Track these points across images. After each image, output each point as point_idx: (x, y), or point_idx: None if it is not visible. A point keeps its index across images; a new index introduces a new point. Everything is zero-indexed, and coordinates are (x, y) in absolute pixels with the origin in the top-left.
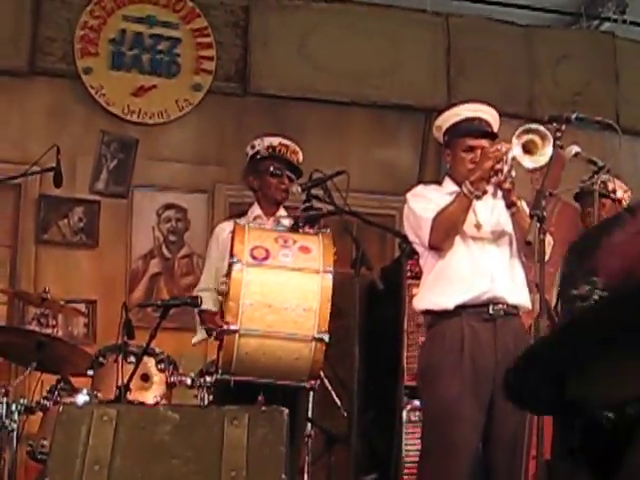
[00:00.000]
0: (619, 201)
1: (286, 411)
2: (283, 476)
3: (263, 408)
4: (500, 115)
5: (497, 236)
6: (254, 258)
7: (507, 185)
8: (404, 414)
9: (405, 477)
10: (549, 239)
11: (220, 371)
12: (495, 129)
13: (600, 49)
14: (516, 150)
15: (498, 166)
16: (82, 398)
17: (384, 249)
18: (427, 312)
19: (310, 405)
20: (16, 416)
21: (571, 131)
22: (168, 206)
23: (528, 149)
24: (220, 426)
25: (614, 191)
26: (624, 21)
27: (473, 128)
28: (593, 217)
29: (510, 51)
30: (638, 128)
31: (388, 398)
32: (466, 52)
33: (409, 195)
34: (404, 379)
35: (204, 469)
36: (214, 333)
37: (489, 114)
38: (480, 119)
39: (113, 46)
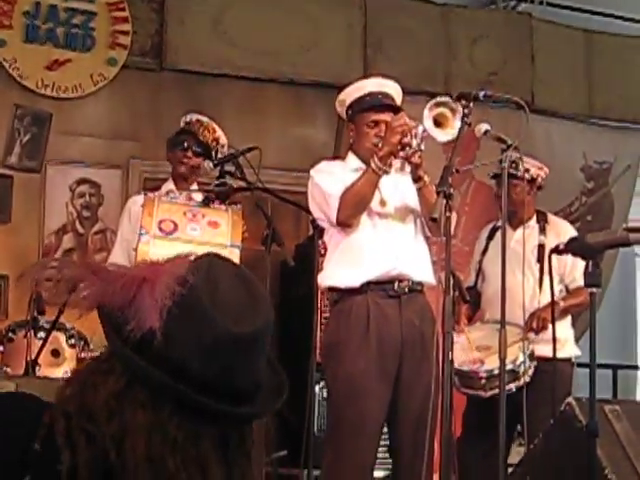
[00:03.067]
0: (533, 180)
1: None
2: None
3: None
4: (417, 94)
5: (402, 212)
6: (161, 230)
7: (416, 159)
8: (316, 390)
9: (316, 454)
10: (453, 215)
11: None
12: (398, 103)
13: (516, 29)
14: (427, 123)
15: (406, 140)
16: None
17: (299, 226)
18: (332, 289)
19: None
20: None
21: (486, 111)
22: (82, 181)
23: (439, 122)
24: None
25: (527, 170)
26: (540, 2)
27: (377, 102)
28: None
29: (427, 30)
30: (553, 109)
31: (300, 374)
32: (383, 30)
33: (313, 171)
34: (316, 355)
35: None
36: None
37: (392, 88)
38: (383, 93)
39: (27, 19)
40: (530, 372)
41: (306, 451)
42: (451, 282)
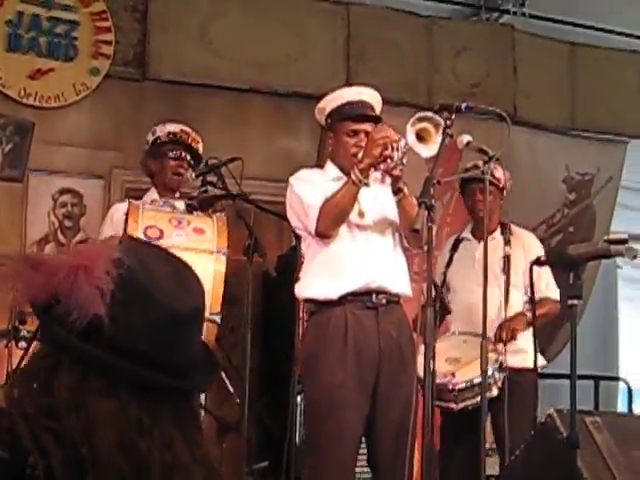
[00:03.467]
0: (502, 189)
1: None
2: None
3: None
4: (399, 105)
5: (380, 224)
6: (147, 237)
7: (397, 172)
8: (298, 401)
9: (298, 465)
10: (434, 226)
11: None
12: (378, 112)
13: (499, 42)
14: (410, 138)
15: (387, 152)
16: None
17: (281, 237)
18: (309, 300)
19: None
20: None
21: (470, 122)
22: (64, 191)
23: (422, 137)
24: None
25: (498, 180)
26: (523, 14)
27: (356, 111)
28: (482, 205)
29: (410, 41)
30: (535, 121)
31: (282, 385)
32: (366, 41)
33: (292, 179)
34: (298, 366)
35: None
36: None
37: (372, 97)
38: (363, 102)
39: (10, 28)
40: (499, 384)
41: (288, 462)
42: (432, 293)
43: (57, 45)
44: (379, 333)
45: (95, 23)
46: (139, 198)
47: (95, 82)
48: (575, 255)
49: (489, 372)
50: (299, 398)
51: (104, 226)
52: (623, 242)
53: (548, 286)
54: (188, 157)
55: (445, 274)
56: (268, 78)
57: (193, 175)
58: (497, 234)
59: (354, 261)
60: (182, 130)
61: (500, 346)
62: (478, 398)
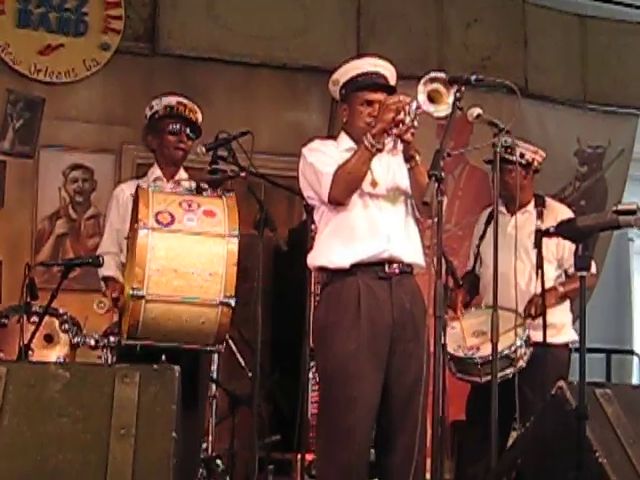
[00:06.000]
0: (528, 164)
1: (177, 369)
2: (173, 434)
3: (155, 366)
4: (410, 78)
5: (393, 194)
6: (159, 223)
7: (408, 137)
8: (309, 375)
9: (309, 438)
10: (444, 199)
11: (125, 335)
12: (393, 83)
13: (509, 14)
14: (421, 97)
15: (399, 117)
16: None
17: (292, 211)
18: (321, 269)
19: (215, 366)
20: None
21: (480, 95)
22: (75, 166)
23: (433, 98)
24: (111, 384)
25: (522, 155)
26: None
27: (371, 81)
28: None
29: (421, 14)
30: (546, 94)
31: (294, 359)
32: (377, 14)
33: (305, 150)
34: (309, 340)
35: (93, 427)
36: (119, 303)
37: (387, 69)
38: (377, 73)
39: (20, 4)
40: (526, 358)
41: (299, 435)
42: (443, 266)
43: (67, 20)
44: (392, 303)
45: None
46: (143, 175)
47: (105, 57)
48: (584, 227)
49: (515, 346)
50: (310, 372)
51: (110, 207)
52: (632, 213)
53: None
54: (187, 130)
55: (479, 247)
56: (277, 52)
57: (204, 150)
58: (530, 207)
59: (366, 230)
60: (178, 102)
61: (528, 320)
62: (505, 371)
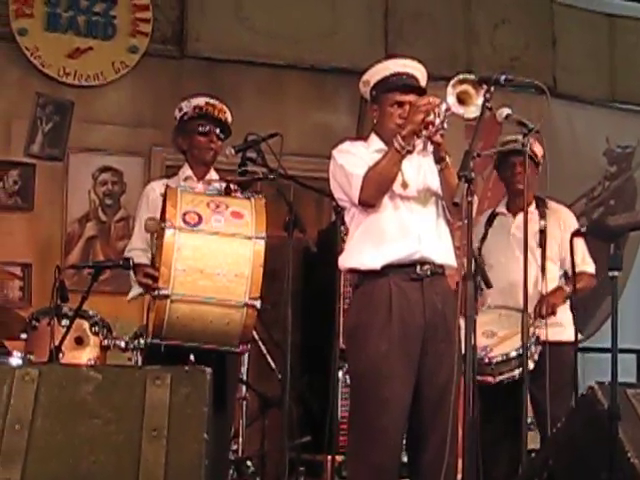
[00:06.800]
0: (538, 163)
1: (209, 371)
2: (205, 435)
3: (186, 368)
4: (438, 79)
5: (423, 195)
6: (186, 223)
7: (438, 138)
8: (339, 376)
9: (340, 440)
10: (475, 199)
11: (151, 335)
12: (423, 85)
13: (537, 14)
14: (450, 99)
15: (429, 118)
16: (15, 361)
17: (321, 212)
18: (353, 271)
19: (245, 368)
20: None
21: (509, 95)
22: (104, 169)
23: (462, 100)
24: (142, 386)
25: (535, 154)
26: None
27: (402, 82)
28: (522, 178)
29: (448, 15)
30: (574, 93)
31: (324, 361)
32: (404, 15)
33: (335, 151)
34: (339, 341)
35: (125, 429)
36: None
37: (418, 70)
38: (408, 74)
39: (48, 7)
40: (535, 357)
41: (329, 437)
42: (473, 267)
43: (95, 24)
44: (424, 305)
45: (133, 1)
46: (174, 175)
47: (134, 60)
48: (615, 226)
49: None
50: (340, 373)
51: (140, 206)
52: None
53: (584, 260)
54: (217, 130)
55: (480, 249)
56: (305, 53)
57: (233, 151)
58: (532, 208)
59: (397, 231)
60: (207, 103)
61: (537, 321)
62: (514, 372)
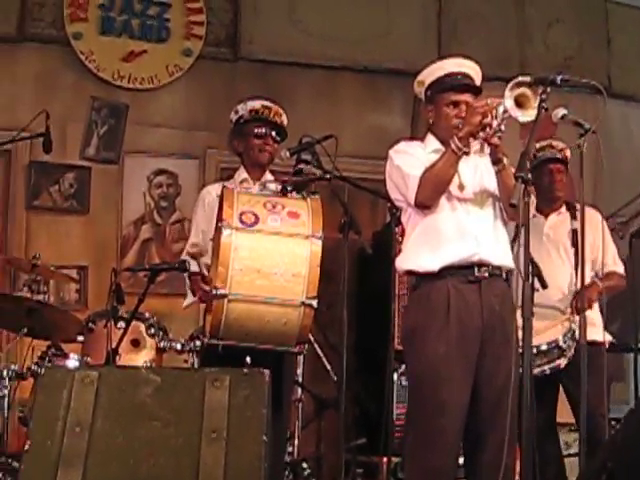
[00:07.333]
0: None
1: (267, 373)
2: (264, 437)
3: (245, 370)
4: (492, 80)
5: (481, 197)
6: (243, 223)
7: (495, 140)
8: (394, 378)
9: (395, 441)
10: (532, 200)
11: (208, 336)
12: (478, 84)
13: (592, 13)
14: (508, 103)
15: (486, 120)
16: (72, 363)
17: (375, 214)
18: (410, 273)
19: (301, 370)
20: (7, 382)
21: (564, 96)
22: (159, 172)
23: (520, 102)
24: (201, 388)
25: (567, 157)
26: None
27: (457, 82)
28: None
29: (502, 15)
30: (629, 93)
31: (379, 362)
32: (458, 16)
33: (392, 152)
34: (394, 343)
35: (185, 431)
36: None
37: (472, 69)
38: (463, 73)
39: (102, 11)
40: (569, 354)
41: (385, 438)
42: (530, 268)
43: (149, 27)
44: (482, 307)
45: (186, 4)
46: (229, 177)
47: (188, 63)
48: None
49: (560, 341)
50: (396, 375)
51: (197, 210)
52: None
53: (615, 261)
54: (273, 133)
55: (512, 249)
56: (358, 54)
57: (288, 154)
58: (563, 209)
59: (454, 233)
60: (263, 105)
61: (574, 317)
62: (545, 367)
